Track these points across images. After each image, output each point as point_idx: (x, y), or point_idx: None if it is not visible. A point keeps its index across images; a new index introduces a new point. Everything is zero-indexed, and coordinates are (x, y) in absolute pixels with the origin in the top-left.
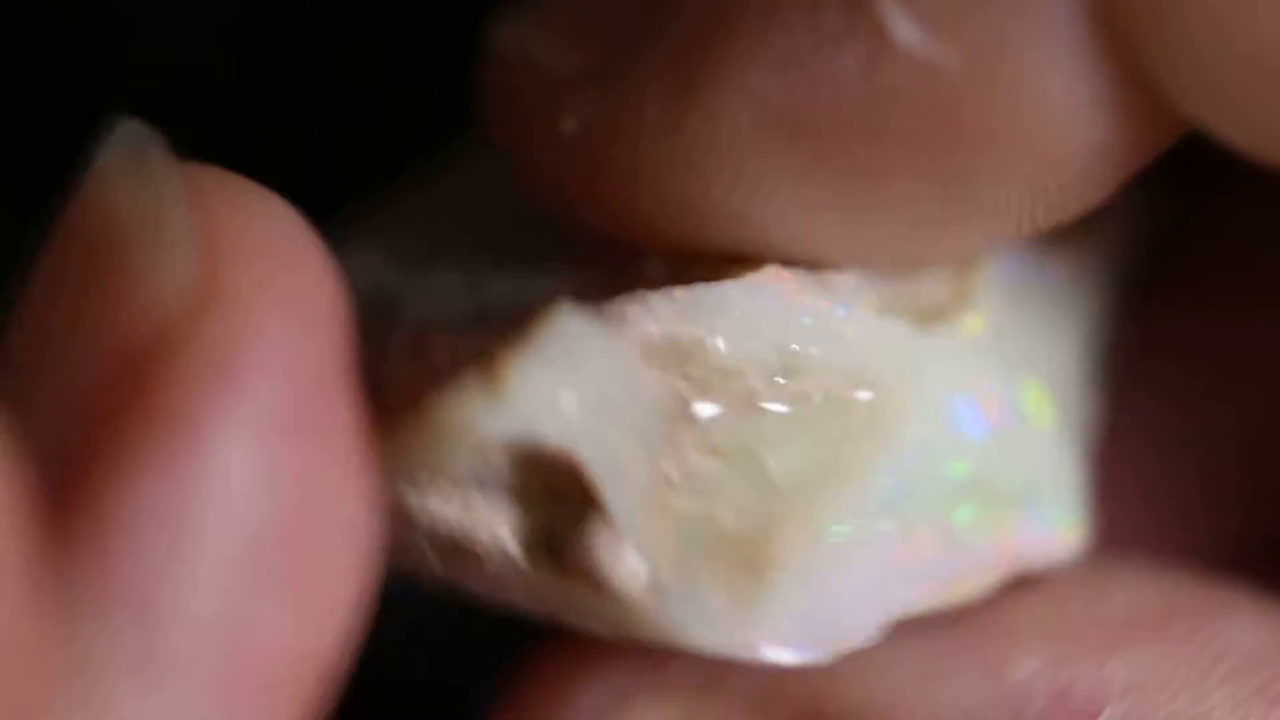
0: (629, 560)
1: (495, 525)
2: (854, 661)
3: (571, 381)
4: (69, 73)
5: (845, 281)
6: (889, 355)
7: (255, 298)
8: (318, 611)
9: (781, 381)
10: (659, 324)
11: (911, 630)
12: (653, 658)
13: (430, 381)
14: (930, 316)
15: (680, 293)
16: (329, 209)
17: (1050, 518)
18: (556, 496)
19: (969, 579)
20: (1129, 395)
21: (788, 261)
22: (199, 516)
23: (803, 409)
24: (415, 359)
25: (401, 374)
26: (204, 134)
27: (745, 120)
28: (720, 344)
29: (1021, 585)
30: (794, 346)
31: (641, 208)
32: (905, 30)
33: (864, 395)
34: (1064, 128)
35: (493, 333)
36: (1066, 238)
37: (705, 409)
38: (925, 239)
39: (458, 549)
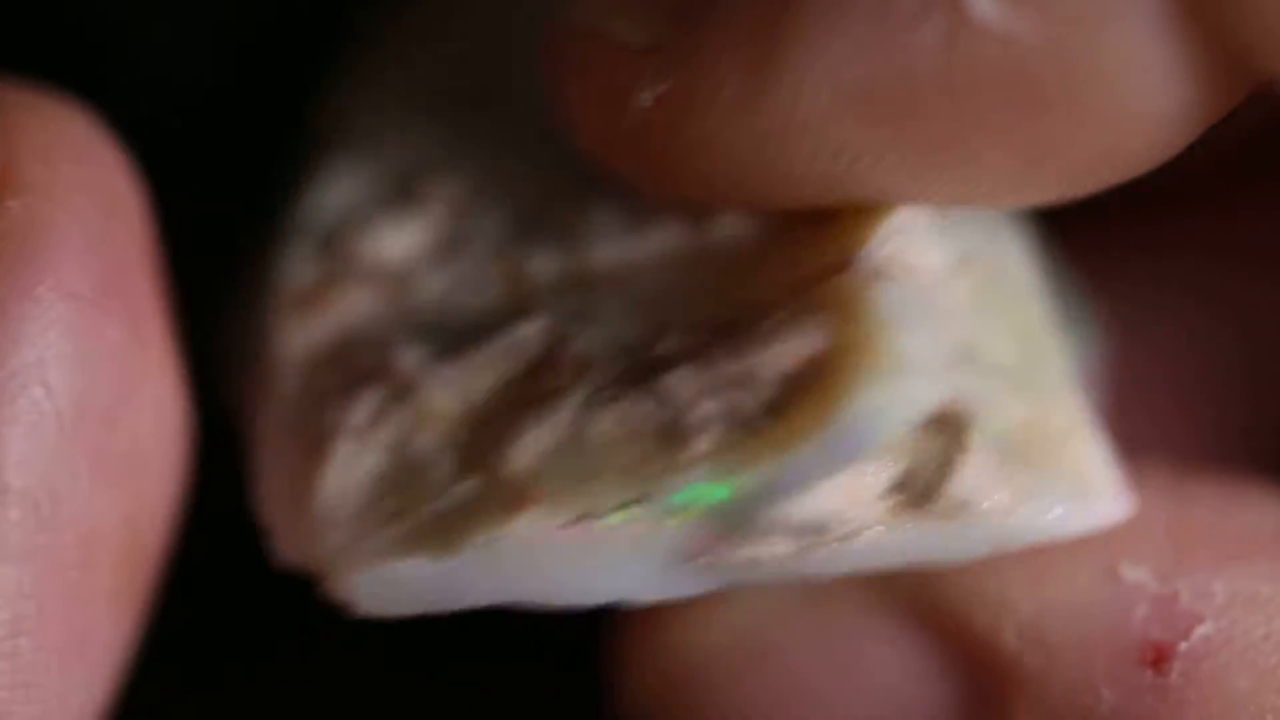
0: (998, 485)
1: (867, 493)
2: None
3: (936, 337)
4: (68, 76)
5: None
6: None
7: (53, 184)
8: (133, 483)
9: None
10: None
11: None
12: None
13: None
14: None
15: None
16: None
17: None
18: (917, 446)
19: None
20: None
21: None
22: (9, 390)
23: None
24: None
25: (636, 416)
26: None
27: (825, 97)
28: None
29: (1151, 489)
30: None
31: (717, 179)
32: (983, 4)
33: None
34: (1143, 96)
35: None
36: None
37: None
38: (1000, 200)
39: (821, 531)
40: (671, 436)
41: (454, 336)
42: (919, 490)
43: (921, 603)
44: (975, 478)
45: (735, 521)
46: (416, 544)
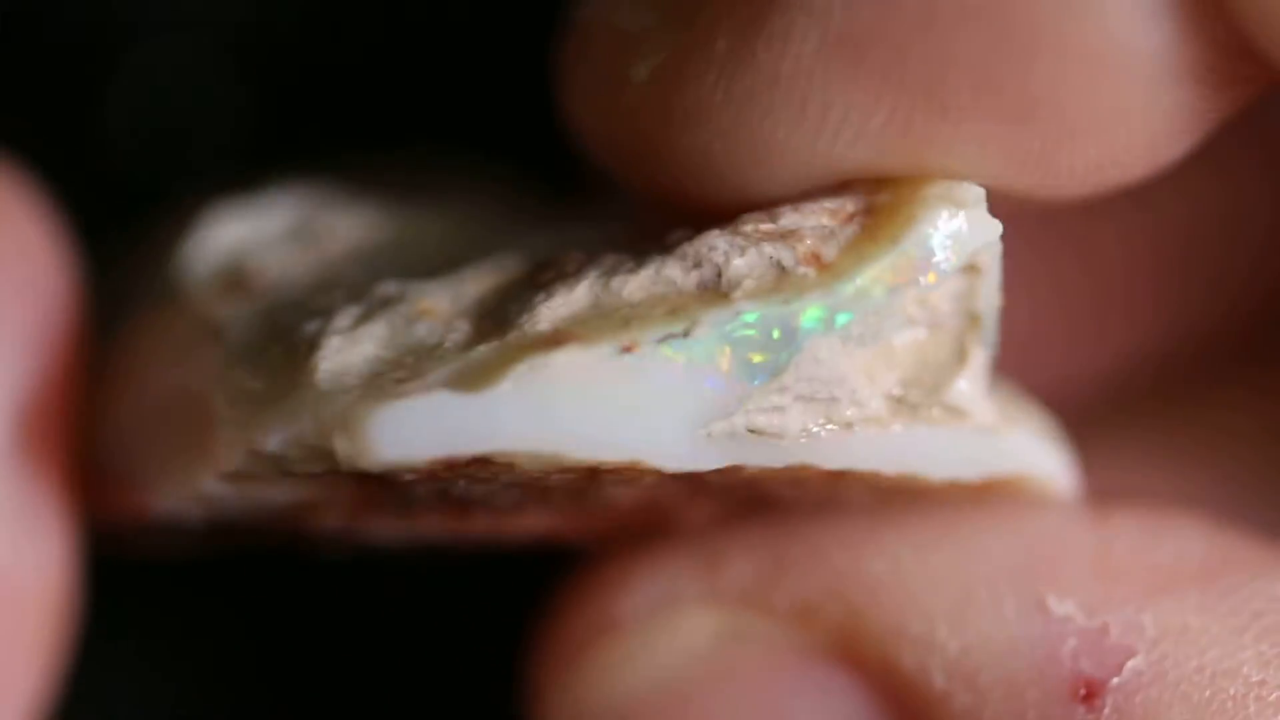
0: (987, 403)
1: (878, 378)
2: (897, 581)
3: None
4: (70, 81)
5: None
6: None
7: None
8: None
9: None
10: None
11: (958, 549)
12: (701, 564)
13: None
14: None
15: None
16: None
17: None
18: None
19: None
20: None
21: None
22: None
23: None
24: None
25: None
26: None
27: (811, 43)
28: None
29: (1073, 522)
30: None
31: (712, 150)
32: None
33: None
34: (1130, 38)
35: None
36: None
37: None
38: (988, 181)
39: (832, 402)
40: (711, 287)
41: (424, 273)
42: (923, 390)
43: (846, 642)
44: (969, 389)
45: (770, 363)
46: (443, 382)
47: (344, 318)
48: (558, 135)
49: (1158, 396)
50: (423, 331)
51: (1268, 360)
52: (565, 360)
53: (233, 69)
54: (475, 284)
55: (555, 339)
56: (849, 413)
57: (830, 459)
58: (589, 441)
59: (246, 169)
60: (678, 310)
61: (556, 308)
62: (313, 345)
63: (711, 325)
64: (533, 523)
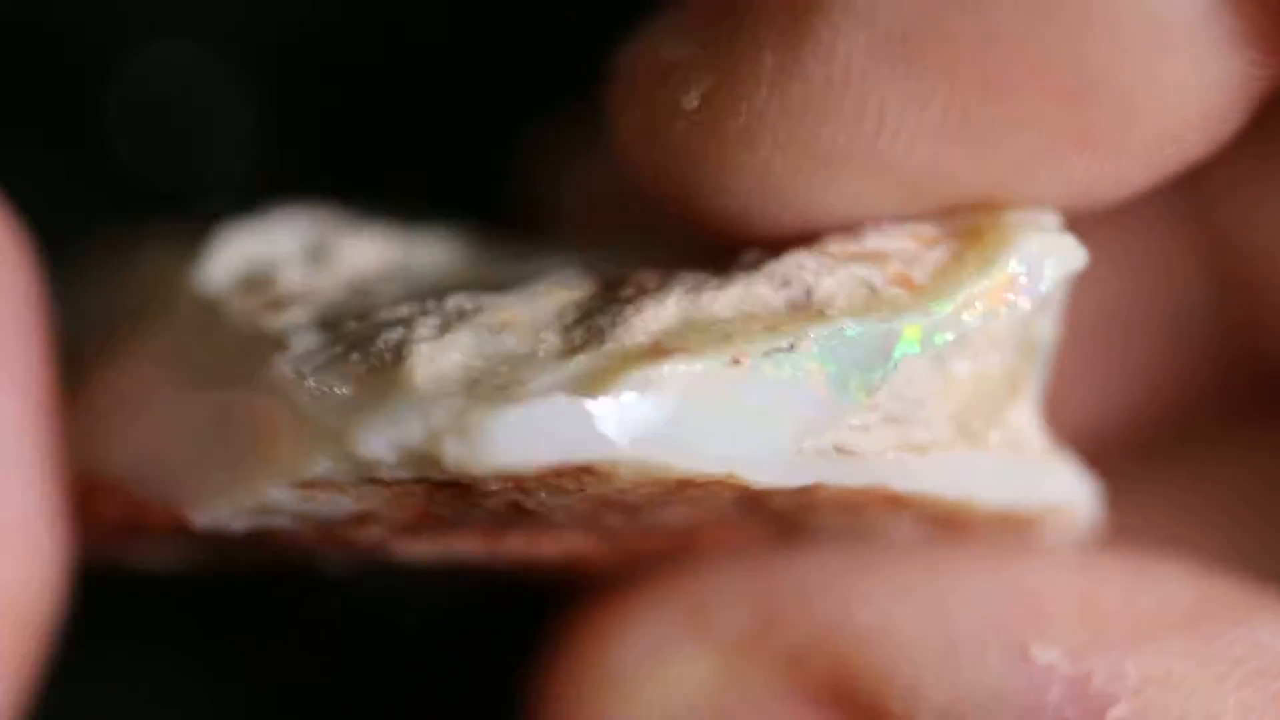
0: (1037, 434)
1: (949, 396)
2: (885, 629)
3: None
4: (70, 82)
5: None
6: None
7: None
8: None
9: None
10: None
11: (946, 596)
12: (692, 613)
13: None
14: None
15: None
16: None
17: None
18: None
19: None
20: None
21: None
22: None
23: None
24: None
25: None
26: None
27: (860, 46)
28: None
29: (1059, 569)
30: None
31: (772, 167)
32: None
33: None
34: (1174, 5)
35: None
36: None
37: None
38: (1048, 176)
39: (907, 419)
40: (802, 305)
41: (490, 289)
42: (981, 418)
43: (836, 690)
44: (1025, 419)
45: (866, 381)
46: (560, 387)
47: (425, 328)
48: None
49: (1145, 455)
50: (511, 342)
51: (1258, 418)
52: (678, 370)
53: (234, 74)
54: (549, 299)
55: (661, 349)
56: (923, 435)
57: (901, 481)
58: (693, 454)
59: (246, 173)
60: (777, 326)
61: (649, 321)
62: (400, 353)
63: (815, 341)
64: (564, 547)
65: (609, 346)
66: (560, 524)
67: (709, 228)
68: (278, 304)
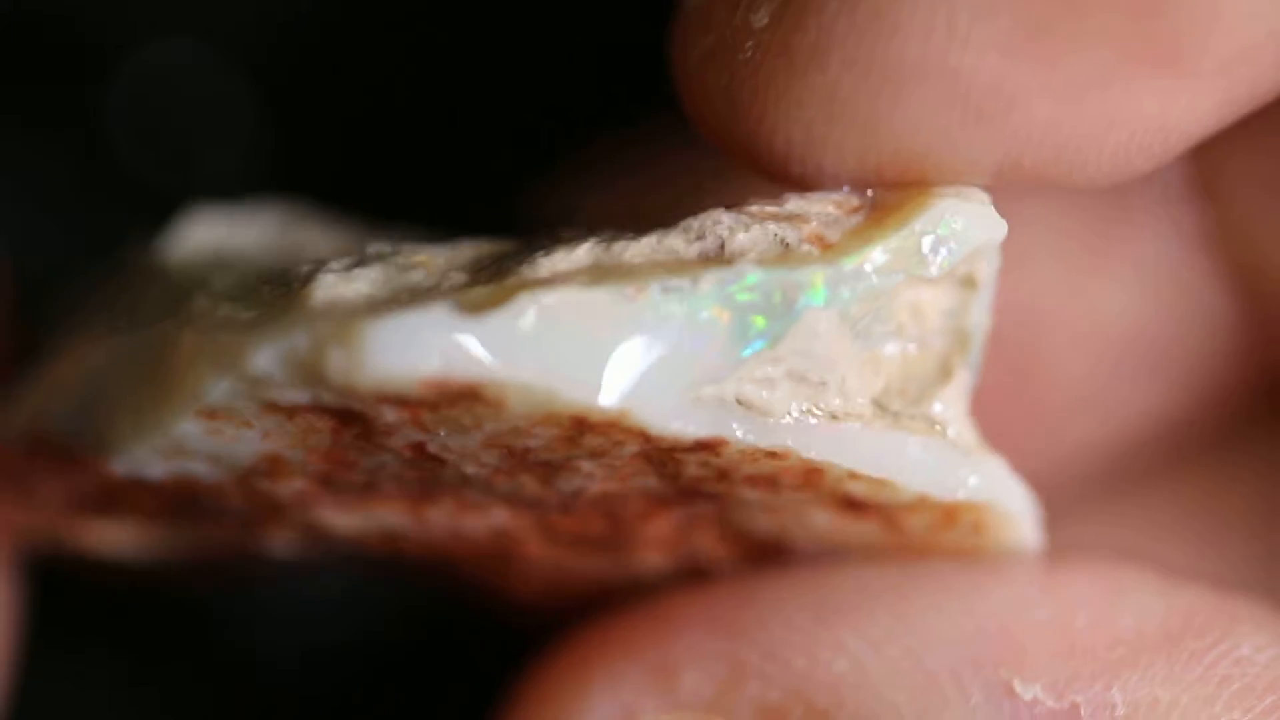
0: (965, 423)
1: (869, 375)
2: (860, 676)
3: None
4: (70, 83)
5: None
6: None
7: None
8: None
9: None
10: None
11: (919, 634)
12: (657, 675)
13: None
14: None
15: None
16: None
17: None
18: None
19: None
20: None
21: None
22: None
23: None
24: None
25: None
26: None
27: None
28: None
29: (1030, 597)
30: None
31: (841, 86)
32: None
33: None
34: None
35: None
36: None
37: None
38: (1117, 99)
39: (820, 386)
40: (714, 257)
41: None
42: (906, 401)
43: None
44: (951, 407)
45: (767, 330)
46: (444, 303)
47: (338, 264)
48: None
49: (1158, 468)
50: (418, 277)
51: (1244, 442)
52: (569, 297)
53: (234, 74)
54: (470, 250)
55: (554, 280)
56: (835, 402)
57: (812, 448)
58: (582, 385)
59: (246, 172)
60: (683, 269)
61: (557, 262)
62: (307, 281)
63: (715, 282)
64: (491, 524)
65: (509, 281)
66: (480, 491)
67: (772, 166)
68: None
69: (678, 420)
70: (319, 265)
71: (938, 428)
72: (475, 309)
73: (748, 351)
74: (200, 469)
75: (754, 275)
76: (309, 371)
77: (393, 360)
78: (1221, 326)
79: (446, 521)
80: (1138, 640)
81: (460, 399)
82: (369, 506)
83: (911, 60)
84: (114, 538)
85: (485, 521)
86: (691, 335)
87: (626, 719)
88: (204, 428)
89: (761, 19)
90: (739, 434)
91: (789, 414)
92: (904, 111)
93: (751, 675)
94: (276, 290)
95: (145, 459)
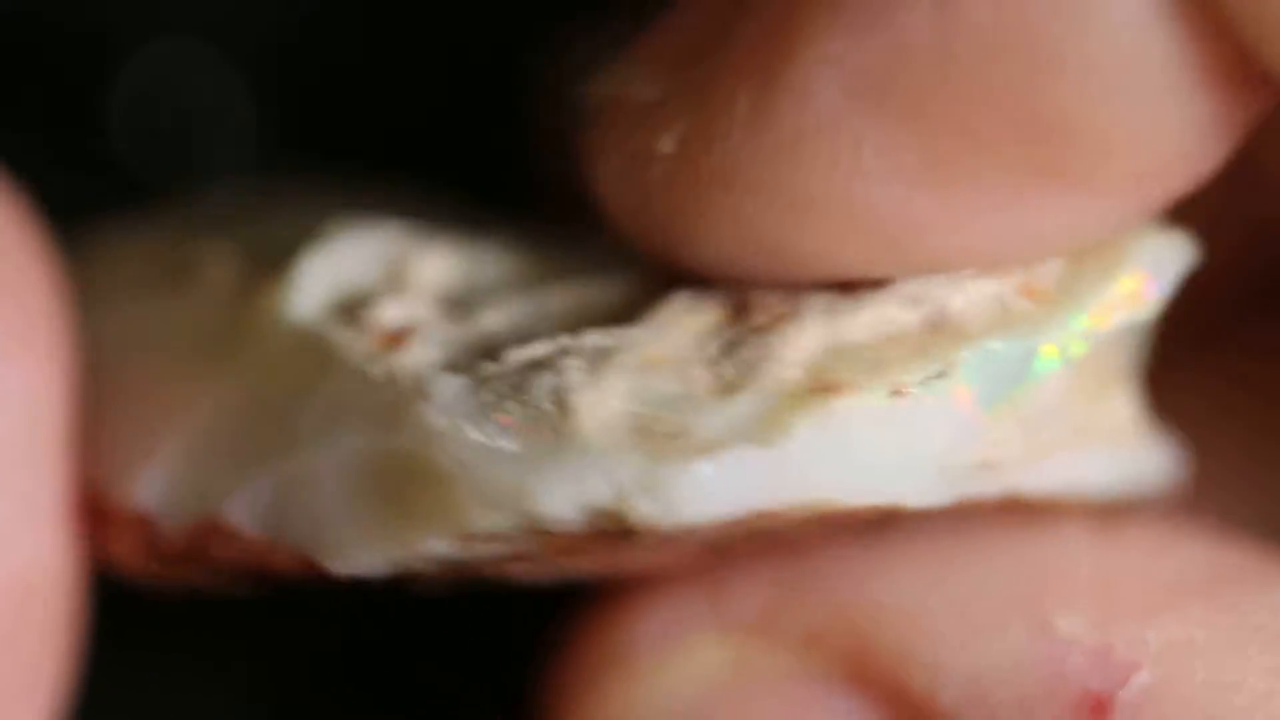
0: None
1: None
2: (904, 605)
3: None
4: (70, 83)
5: None
6: None
7: None
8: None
9: None
10: None
11: (965, 570)
12: (709, 595)
13: None
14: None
15: None
16: None
17: None
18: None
19: None
20: None
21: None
22: None
23: None
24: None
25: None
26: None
27: (834, 93)
28: None
29: (1077, 537)
30: None
31: (745, 213)
32: None
33: None
34: (1137, 47)
35: None
36: None
37: None
38: (1026, 218)
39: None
40: (939, 324)
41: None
42: (1095, 408)
43: (855, 668)
44: (1126, 403)
45: (1006, 396)
46: (741, 437)
47: (575, 372)
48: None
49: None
50: (663, 384)
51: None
52: (847, 407)
53: (235, 72)
54: (681, 329)
55: (822, 385)
56: (1047, 438)
57: (1033, 485)
58: (861, 487)
59: (247, 170)
60: (925, 350)
61: (794, 351)
62: (561, 404)
63: (965, 364)
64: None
65: (767, 383)
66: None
67: (692, 270)
68: (390, 340)
69: (930, 496)
70: (551, 369)
71: (1120, 428)
72: (765, 436)
73: (991, 420)
74: (428, 569)
75: (997, 348)
76: (609, 517)
77: (705, 506)
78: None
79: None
80: (1178, 586)
81: (751, 519)
82: (558, 564)
83: (816, 191)
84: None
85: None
86: (944, 417)
87: (673, 638)
88: (457, 545)
89: (666, 145)
90: (975, 492)
91: (1016, 461)
92: (812, 237)
93: (797, 600)
94: (526, 408)
95: (371, 564)
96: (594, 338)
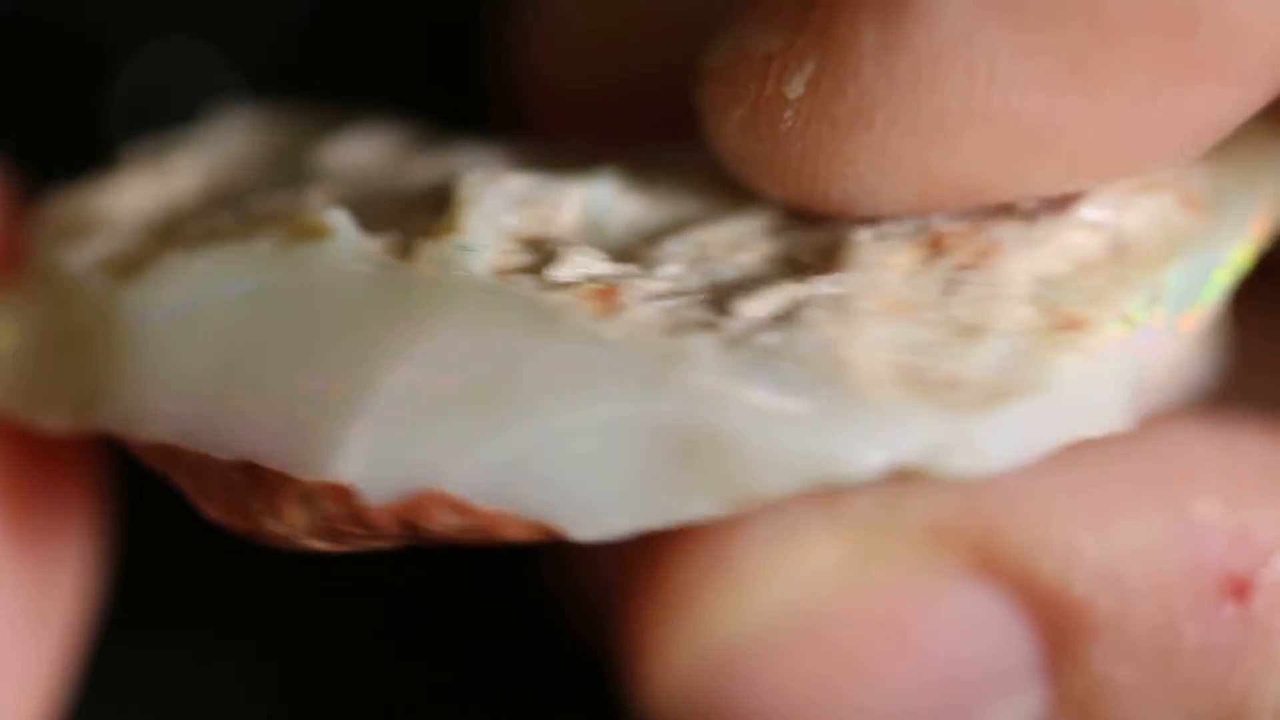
0: None
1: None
2: (1032, 495)
3: None
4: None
5: None
6: None
7: None
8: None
9: None
10: None
11: (1092, 463)
12: (824, 497)
13: None
14: None
15: None
16: None
17: None
18: None
19: None
20: None
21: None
22: None
23: None
24: None
25: None
26: None
27: (962, 7)
28: None
29: (1198, 430)
30: None
31: (888, 144)
32: None
33: None
34: None
35: None
36: None
37: None
38: (1166, 112)
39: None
40: (1123, 248)
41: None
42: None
43: (981, 555)
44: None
45: (1185, 310)
46: (1026, 386)
47: (830, 326)
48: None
49: None
50: (908, 330)
51: None
52: (1097, 342)
53: (235, 74)
54: (888, 271)
55: (1070, 323)
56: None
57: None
58: (1106, 421)
59: None
60: (1124, 277)
61: (1013, 287)
62: (838, 360)
63: (1167, 287)
64: None
65: (1007, 324)
66: None
67: (828, 211)
68: (602, 297)
69: (1129, 419)
70: (794, 320)
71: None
72: (1041, 383)
73: (1171, 337)
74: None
75: (1180, 271)
76: (913, 472)
77: (1009, 456)
78: None
79: None
80: None
81: None
82: None
83: (957, 110)
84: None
85: None
86: (1164, 340)
87: (784, 539)
88: (728, 507)
89: (796, 89)
90: (1144, 411)
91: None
92: (958, 157)
93: (917, 495)
94: (800, 364)
95: (618, 529)
96: (822, 285)
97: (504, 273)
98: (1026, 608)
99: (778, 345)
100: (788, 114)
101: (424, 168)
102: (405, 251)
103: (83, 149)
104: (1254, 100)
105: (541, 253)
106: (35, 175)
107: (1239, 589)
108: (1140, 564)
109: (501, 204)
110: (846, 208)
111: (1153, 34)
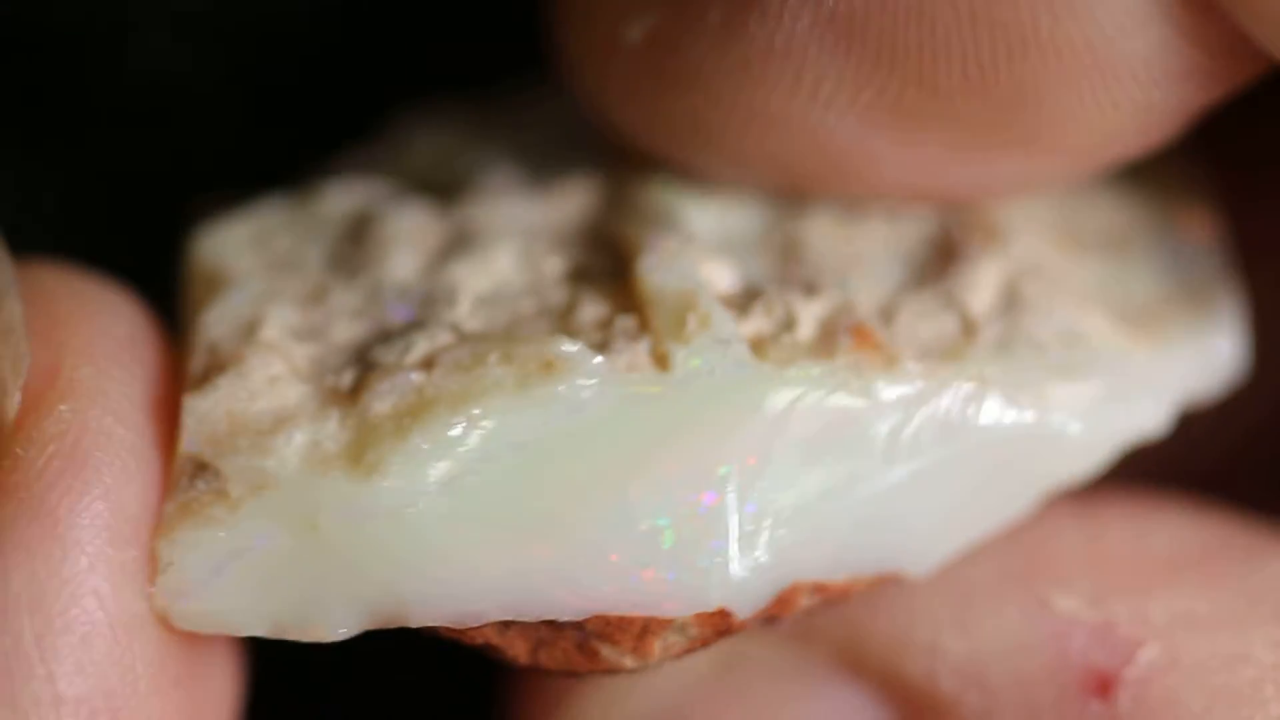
0: None
1: None
2: (897, 593)
3: None
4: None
5: None
6: None
7: (102, 389)
8: (194, 681)
9: None
10: None
11: (957, 559)
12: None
13: None
14: None
15: None
16: None
17: None
18: None
19: None
20: None
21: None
22: (61, 600)
23: None
24: None
25: None
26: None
27: (805, 21)
28: None
29: (1064, 520)
30: None
31: (704, 116)
32: None
33: None
34: (1121, 31)
35: None
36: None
37: None
38: (979, 163)
39: None
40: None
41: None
42: None
43: (848, 656)
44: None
45: None
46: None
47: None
48: None
49: None
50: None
51: None
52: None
53: (233, 71)
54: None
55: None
56: None
57: None
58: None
59: (241, 167)
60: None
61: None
62: (1071, 338)
63: None
64: None
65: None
66: None
67: (641, 151)
68: (824, 342)
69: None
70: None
71: None
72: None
73: None
74: None
75: None
76: None
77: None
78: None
79: None
80: (1170, 560)
81: None
82: None
83: (776, 110)
84: None
85: None
86: None
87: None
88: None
89: (633, 35)
90: None
91: None
92: (767, 149)
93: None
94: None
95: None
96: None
97: (760, 345)
98: (894, 704)
99: (999, 351)
100: (620, 59)
101: (554, 266)
102: (661, 362)
103: (83, 149)
104: (1075, 171)
105: (740, 308)
106: (35, 175)
107: (1102, 685)
108: (1003, 660)
109: (707, 282)
110: (650, 149)
111: (980, 104)
